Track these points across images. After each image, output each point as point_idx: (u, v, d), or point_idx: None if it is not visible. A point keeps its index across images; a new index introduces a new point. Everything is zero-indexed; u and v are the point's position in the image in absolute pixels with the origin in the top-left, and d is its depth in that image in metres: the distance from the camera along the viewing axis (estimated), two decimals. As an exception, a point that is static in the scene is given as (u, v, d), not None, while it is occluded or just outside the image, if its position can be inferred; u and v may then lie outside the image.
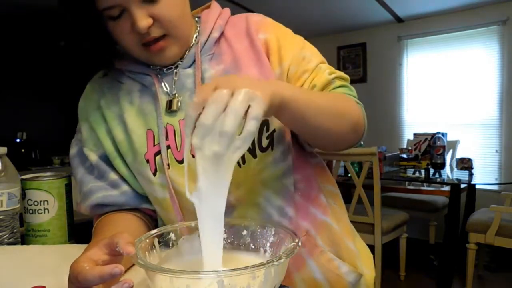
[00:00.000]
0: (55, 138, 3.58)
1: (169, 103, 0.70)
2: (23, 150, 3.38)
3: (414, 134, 3.36)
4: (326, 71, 0.71)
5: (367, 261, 0.80)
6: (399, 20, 3.86)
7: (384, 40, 4.06)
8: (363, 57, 4.23)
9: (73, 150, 0.78)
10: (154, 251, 0.53)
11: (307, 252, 0.70)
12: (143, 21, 0.61)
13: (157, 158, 0.69)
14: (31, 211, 0.84)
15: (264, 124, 0.67)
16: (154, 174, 0.69)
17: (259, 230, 0.55)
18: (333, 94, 0.68)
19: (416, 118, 3.91)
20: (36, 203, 0.84)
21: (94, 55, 0.74)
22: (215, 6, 0.78)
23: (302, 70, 0.71)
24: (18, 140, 3.37)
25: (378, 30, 4.08)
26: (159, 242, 0.54)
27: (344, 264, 0.71)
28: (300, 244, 0.47)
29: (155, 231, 0.55)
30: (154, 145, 0.70)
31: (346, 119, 0.65)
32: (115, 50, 0.73)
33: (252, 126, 0.46)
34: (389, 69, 4.04)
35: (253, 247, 0.55)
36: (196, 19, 0.78)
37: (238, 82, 0.47)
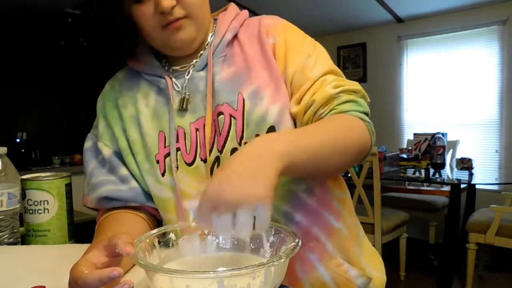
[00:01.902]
0: (55, 138, 3.58)
1: (181, 101, 0.72)
2: (23, 150, 3.37)
3: (414, 134, 3.36)
4: (331, 84, 0.67)
5: (377, 264, 0.79)
6: (399, 20, 3.86)
7: (384, 40, 4.06)
8: (363, 57, 4.23)
9: (87, 144, 0.80)
10: (154, 251, 0.53)
11: (317, 258, 0.69)
12: (167, 0, 0.63)
13: (167, 159, 0.71)
14: (31, 211, 0.84)
15: (271, 131, 0.67)
16: (163, 174, 0.71)
17: (259, 230, 0.55)
18: (335, 123, 0.63)
19: (416, 118, 3.91)
20: (36, 203, 0.84)
21: (113, 50, 0.76)
22: (232, 9, 0.79)
23: (304, 79, 0.69)
24: (18, 140, 3.36)
25: (378, 30, 4.08)
26: (159, 242, 0.54)
27: (353, 268, 0.71)
28: (300, 244, 0.47)
29: (155, 231, 0.55)
30: (165, 147, 0.72)
31: (349, 153, 0.63)
32: (133, 50, 0.76)
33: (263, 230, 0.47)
34: (389, 69, 4.04)
35: (253, 247, 0.55)
36: (213, 21, 0.79)
37: (235, 194, 0.45)
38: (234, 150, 0.67)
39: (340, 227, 0.73)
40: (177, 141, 0.71)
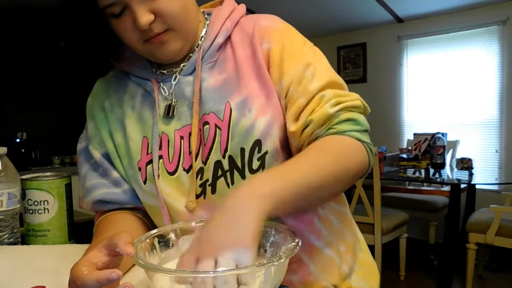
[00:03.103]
0: (55, 138, 3.58)
1: (167, 108, 0.69)
2: (23, 150, 3.37)
3: (414, 134, 3.36)
4: (330, 102, 0.63)
5: (372, 277, 0.76)
6: (399, 20, 3.86)
7: (384, 40, 4.06)
8: (363, 57, 4.23)
9: (80, 146, 0.78)
10: (154, 251, 0.53)
11: (299, 280, 0.66)
12: (144, 17, 0.60)
13: (149, 167, 0.68)
14: (31, 211, 0.84)
15: (256, 145, 0.64)
16: (144, 182, 0.69)
17: (259, 230, 0.55)
18: (328, 150, 0.60)
19: (416, 118, 3.91)
20: (36, 203, 0.84)
21: (97, 56, 0.73)
22: (228, 3, 0.73)
23: (300, 92, 0.64)
24: (18, 140, 3.36)
25: (378, 30, 4.08)
26: (159, 242, 0.54)
27: None
28: (300, 244, 0.47)
29: (155, 231, 0.55)
30: (147, 154, 0.69)
31: (344, 180, 0.60)
32: (119, 51, 0.73)
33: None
34: (389, 69, 4.04)
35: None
36: (206, 16, 0.74)
37: (217, 243, 0.45)
38: (217, 163, 0.64)
39: (320, 246, 0.68)
40: (160, 148, 0.68)
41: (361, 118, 0.65)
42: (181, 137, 0.68)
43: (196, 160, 0.66)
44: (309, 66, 0.66)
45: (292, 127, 0.64)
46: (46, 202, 0.84)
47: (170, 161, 0.68)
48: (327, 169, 0.57)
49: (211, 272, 0.43)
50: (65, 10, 0.65)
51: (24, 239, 0.86)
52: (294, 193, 0.53)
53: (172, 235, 0.56)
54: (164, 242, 0.55)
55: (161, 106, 0.70)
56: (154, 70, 0.72)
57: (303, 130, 0.64)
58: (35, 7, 3.11)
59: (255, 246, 0.45)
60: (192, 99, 0.67)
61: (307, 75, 0.65)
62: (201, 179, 0.66)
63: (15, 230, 0.82)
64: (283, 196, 0.51)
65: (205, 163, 0.65)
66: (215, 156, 0.65)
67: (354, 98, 0.66)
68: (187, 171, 0.67)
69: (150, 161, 0.68)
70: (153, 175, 0.67)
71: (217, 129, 0.65)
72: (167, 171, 0.68)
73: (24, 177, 0.85)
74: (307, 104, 0.64)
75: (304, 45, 0.69)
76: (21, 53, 3.40)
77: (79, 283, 0.46)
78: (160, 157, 0.68)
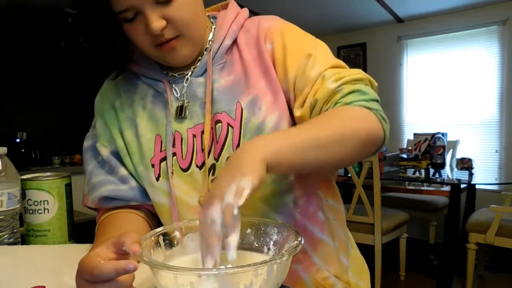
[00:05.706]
0: (55, 138, 3.58)
1: (179, 108, 0.71)
2: (23, 150, 3.37)
3: (414, 134, 3.36)
4: (330, 79, 0.64)
5: (364, 274, 0.80)
6: (399, 20, 3.86)
7: (384, 40, 4.06)
8: (363, 57, 4.23)
9: (87, 143, 0.79)
10: (159, 248, 0.54)
11: (304, 270, 0.70)
12: (157, 22, 0.62)
13: (162, 164, 0.71)
14: (31, 211, 0.84)
15: None
16: (157, 179, 0.71)
17: (262, 229, 0.55)
18: (331, 116, 0.61)
19: (416, 118, 3.92)
20: (36, 203, 0.83)
21: (108, 57, 0.75)
22: (232, 7, 0.76)
23: (305, 81, 0.66)
24: (18, 140, 3.36)
25: (378, 30, 4.08)
26: (164, 240, 0.55)
27: (339, 282, 0.71)
28: (302, 242, 0.47)
29: (160, 229, 0.55)
30: (161, 151, 0.71)
31: (348, 143, 0.59)
32: (130, 53, 0.75)
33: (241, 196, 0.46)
34: (389, 69, 4.04)
35: (256, 245, 0.55)
36: (212, 20, 0.77)
37: (222, 186, 0.48)
38: None
39: (325, 238, 0.72)
40: (174, 145, 0.70)
41: (367, 88, 0.65)
42: (194, 135, 0.70)
43: (208, 156, 0.69)
44: (310, 56, 0.68)
45: (299, 112, 0.67)
46: (46, 202, 0.84)
47: (184, 158, 0.70)
48: (330, 129, 0.58)
49: (214, 270, 0.43)
50: (79, 14, 0.68)
51: (24, 239, 0.86)
52: (295, 148, 0.54)
53: (177, 233, 0.56)
54: (169, 240, 0.55)
55: (173, 107, 0.72)
56: (164, 72, 0.74)
57: (311, 112, 0.66)
58: (35, 7, 3.10)
59: (255, 176, 0.47)
60: (204, 99, 0.70)
61: (309, 65, 0.67)
62: (213, 174, 0.69)
63: (15, 230, 0.82)
64: (281, 148, 0.52)
65: (217, 159, 0.68)
66: (227, 152, 0.67)
67: (355, 73, 0.67)
68: (200, 167, 0.69)
69: (164, 158, 0.71)
70: (167, 171, 0.69)
71: (229, 127, 0.68)
72: (180, 167, 0.70)
73: (24, 177, 0.85)
74: (311, 89, 0.66)
75: (303, 38, 0.72)
76: (21, 53, 3.40)
77: (96, 272, 0.45)
78: (174, 154, 0.71)
